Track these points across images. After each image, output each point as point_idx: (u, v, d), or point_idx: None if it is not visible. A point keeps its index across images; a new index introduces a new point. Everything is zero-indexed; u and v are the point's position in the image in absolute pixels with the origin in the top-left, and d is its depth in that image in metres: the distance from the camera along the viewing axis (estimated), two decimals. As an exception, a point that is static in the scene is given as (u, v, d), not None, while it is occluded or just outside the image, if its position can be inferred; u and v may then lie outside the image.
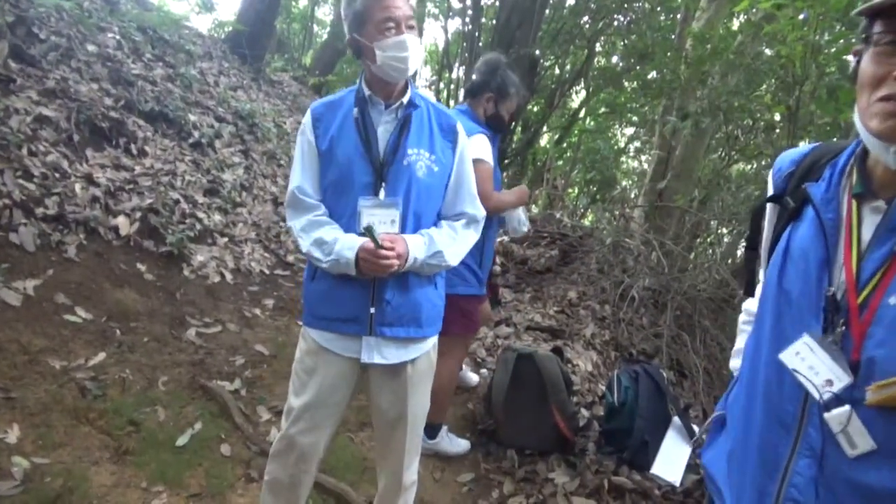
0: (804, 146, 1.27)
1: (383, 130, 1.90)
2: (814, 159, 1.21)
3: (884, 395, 0.95)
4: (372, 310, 1.87)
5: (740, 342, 1.44)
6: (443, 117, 1.99)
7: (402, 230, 1.87)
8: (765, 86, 7.13)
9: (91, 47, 5.13)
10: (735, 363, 1.44)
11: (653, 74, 9.65)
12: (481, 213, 2.08)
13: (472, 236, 2.05)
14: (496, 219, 3.01)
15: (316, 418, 1.95)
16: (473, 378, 3.80)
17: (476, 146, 2.67)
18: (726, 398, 1.34)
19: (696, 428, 3.01)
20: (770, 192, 1.28)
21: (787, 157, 1.27)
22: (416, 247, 1.83)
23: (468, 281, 2.86)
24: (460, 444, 3.24)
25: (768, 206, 1.28)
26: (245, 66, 8.49)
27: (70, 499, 2.27)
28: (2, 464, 2.30)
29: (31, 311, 3.02)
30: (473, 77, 3.03)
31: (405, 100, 1.91)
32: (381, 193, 1.87)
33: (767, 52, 6.49)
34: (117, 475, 2.48)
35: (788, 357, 1.07)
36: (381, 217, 1.85)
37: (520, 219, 3.08)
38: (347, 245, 1.78)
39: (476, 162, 2.54)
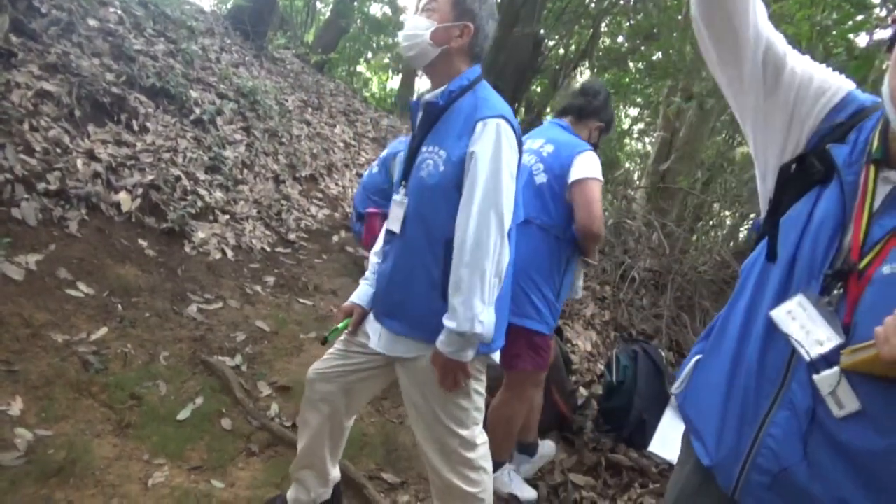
0: (866, 95, 1.16)
1: (418, 126, 1.92)
2: (861, 117, 1.14)
3: (855, 360, 0.98)
4: (377, 299, 2.02)
5: None
6: (474, 111, 1.78)
7: (403, 231, 1.88)
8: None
9: (92, 22, 5.09)
10: None
11: (658, 55, 9.57)
12: (471, 235, 1.71)
13: (468, 281, 1.71)
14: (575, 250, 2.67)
15: (328, 360, 2.11)
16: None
17: (588, 163, 2.56)
18: (706, 339, 1.35)
19: None
20: (826, 104, 1.15)
21: (860, 97, 1.15)
22: (443, 344, 1.78)
23: (541, 314, 2.57)
24: (526, 492, 2.84)
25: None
26: (247, 43, 8.43)
27: (73, 470, 2.29)
28: (5, 435, 2.32)
29: (33, 286, 3.03)
30: (580, 99, 2.81)
31: (429, 96, 1.88)
32: (402, 191, 1.91)
33: (774, 32, 6.43)
34: (119, 448, 2.51)
35: (779, 315, 1.09)
36: (394, 215, 1.91)
37: (576, 286, 2.85)
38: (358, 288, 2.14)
39: (589, 180, 2.52)
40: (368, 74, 17.63)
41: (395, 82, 17.18)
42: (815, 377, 1.03)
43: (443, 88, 1.87)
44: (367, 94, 14.17)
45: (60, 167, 3.65)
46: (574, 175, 2.52)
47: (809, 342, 1.04)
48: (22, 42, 4.20)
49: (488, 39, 1.93)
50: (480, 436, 2.00)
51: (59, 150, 3.75)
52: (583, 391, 3.67)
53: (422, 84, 17.51)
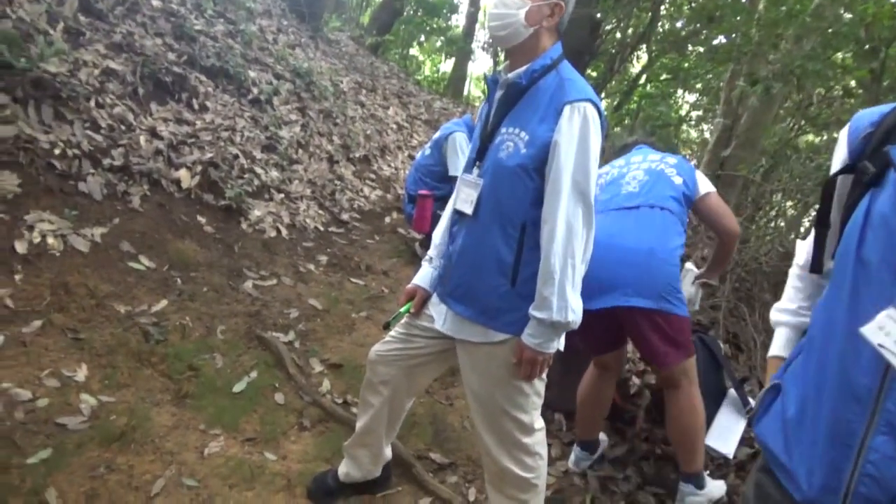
0: (883, 106, 1.19)
1: (496, 105, 1.89)
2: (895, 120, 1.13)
3: None
4: (444, 280, 2.00)
5: (785, 301, 1.46)
6: (560, 94, 1.73)
7: (476, 213, 1.84)
8: (840, 53, 6.77)
9: (155, 2, 5.19)
10: (776, 317, 1.47)
11: (720, 39, 9.25)
12: (561, 225, 1.69)
13: (560, 271, 1.69)
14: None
15: (389, 343, 2.12)
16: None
17: (706, 178, 2.74)
18: (785, 368, 1.28)
19: (752, 401, 2.93)
20: (844, 153, 1.21)
21: (865, 117, 1.19)
22: (530, 337, 1.77)
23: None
24: (717, 487, 2.70)
25: (839, 177, 1.20)
26: (303, 25, 8.52)
27: (133, 436, 2.37)
28: (71, 400, 2.41)
29: (98, 258, 3.13)
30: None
31: (511, 75, 1.82)
32: (475, 171, 1.88)
33: (847, 15, 6.13)
34: (177, 417, 2.58)
35: (871, 331, 1.01)
36: (465, 196, 1.88)
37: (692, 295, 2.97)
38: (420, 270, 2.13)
39: (715, 193, 2.68)
40: (421, 57, 17.61)
41: (447, 65, 17.12)
42: None
43: (525, 67, 1.80)
44: (420, 77, 14.15)
45: (124, 144, 3.75)
46: (704, 188, 2.66)
47: None
48: (90, 22, 4.31)
49: (569, 14, 1.86)
50: (538, 421, 1.97)
51: (123, 127, 3.85)
52: (635, 380, 3.59)
53: (475, 68, 17.39)
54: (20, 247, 2.84)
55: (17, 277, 2.75)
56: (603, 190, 2.73)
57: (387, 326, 2.13)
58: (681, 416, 2.55)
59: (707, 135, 12.44)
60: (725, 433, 2.73)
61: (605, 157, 2.95)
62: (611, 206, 2.61)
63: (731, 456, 2.76)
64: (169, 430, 2.49)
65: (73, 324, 2.75)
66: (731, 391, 2.95)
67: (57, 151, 3.29)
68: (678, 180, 2.63)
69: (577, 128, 1.69)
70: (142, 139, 3.90)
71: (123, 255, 3.26)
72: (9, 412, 2.24)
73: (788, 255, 5.05)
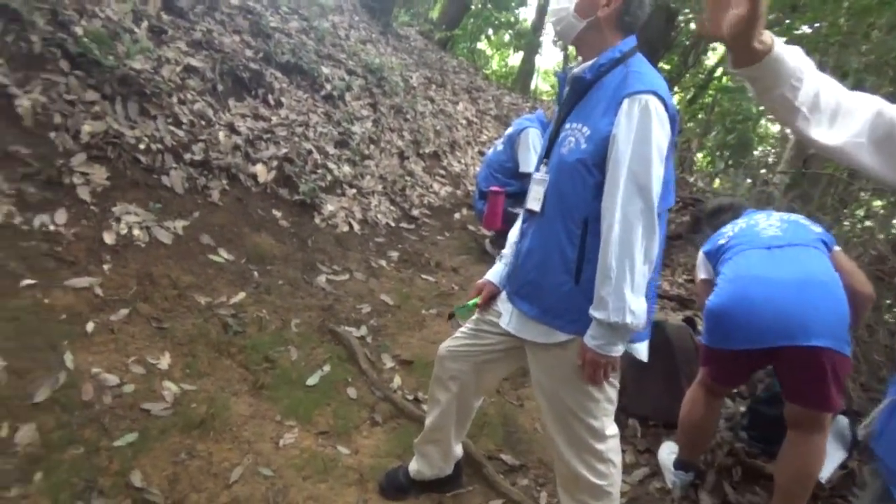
0: None
1: (564, 101, 1.85)
2: None
3: None
4: (511, 279, 1.98)
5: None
6: (622, 86, 1.65)
7: (542, 210, 1.81)
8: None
9: (233, 0, 5.32)
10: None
11: (805, 28, 8.79)
12: (617, 222, 1.60)
13: (616, 270, 1.61)
14: None
15: (459, 339, 2.13)
16: None
17: None
18: None
19: (860, 437, 2.72)
20: None
21: None
22: (591, 338, 1.70)
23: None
24: None
25: None
26: (373, 20, 8.57)
27: (213, 424, 2.42)
28: (155, 387, 2.49)
29: (179, 249, 3.22)
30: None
31: (577, 69, 1.78)
32: (542, 168, 1.85)
33: (947, 1, 5.70)
34: (254, 407, 2.63)
35: None
36: (534, 194, 1.86)
37: None
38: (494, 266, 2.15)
39: (842, 251, 2.51)
40: (489, 51, 17.51)
41: (515, 59, 16.97)
42: None
43: (591, 62, 1.75)
44: (488, 72, 14.07)
45: (204, 139, 3.85)
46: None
47: None
48: (171, 20, 4.44)
49: (644, 8, 1.76)
50: (610, 427, 1.89)
51: (203, 123, 3.95)
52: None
53: (542, 62, 17.15)
54: (108, 238, 2.95)
55: (105, 267, 2.85)
56: (734, 238, 2.54)
57: (451, 316, 2.13)
58: (805, 461, 2.34)
59: (788, 130, 11.87)
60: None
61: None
62: (754, 245, 2.43)
63: (824, 481, 2.61)
64: (246, 419, 2.54)
65: (156, 313, 2.84)
66: (841, 417, 2.77)
67: (142, 146, 3.40)
68: (816, 228, 2.48)
69: (636, 120, 1.60)
70: (220, 134, 4.00)
71: (204, 248, 3.35)
72: (98, 396, 2.32)
73: (881, 259, 4.74)
